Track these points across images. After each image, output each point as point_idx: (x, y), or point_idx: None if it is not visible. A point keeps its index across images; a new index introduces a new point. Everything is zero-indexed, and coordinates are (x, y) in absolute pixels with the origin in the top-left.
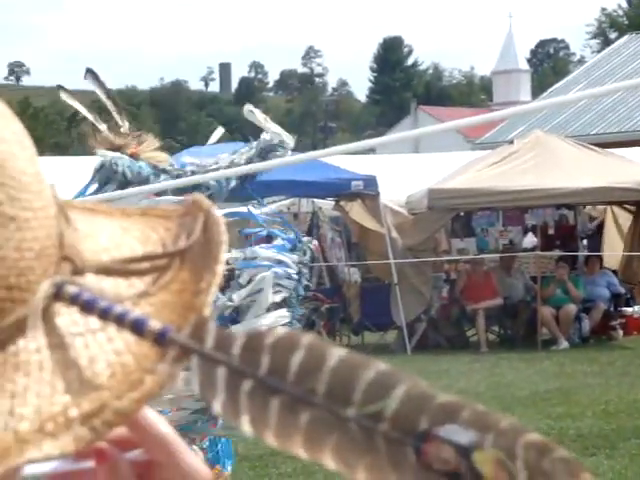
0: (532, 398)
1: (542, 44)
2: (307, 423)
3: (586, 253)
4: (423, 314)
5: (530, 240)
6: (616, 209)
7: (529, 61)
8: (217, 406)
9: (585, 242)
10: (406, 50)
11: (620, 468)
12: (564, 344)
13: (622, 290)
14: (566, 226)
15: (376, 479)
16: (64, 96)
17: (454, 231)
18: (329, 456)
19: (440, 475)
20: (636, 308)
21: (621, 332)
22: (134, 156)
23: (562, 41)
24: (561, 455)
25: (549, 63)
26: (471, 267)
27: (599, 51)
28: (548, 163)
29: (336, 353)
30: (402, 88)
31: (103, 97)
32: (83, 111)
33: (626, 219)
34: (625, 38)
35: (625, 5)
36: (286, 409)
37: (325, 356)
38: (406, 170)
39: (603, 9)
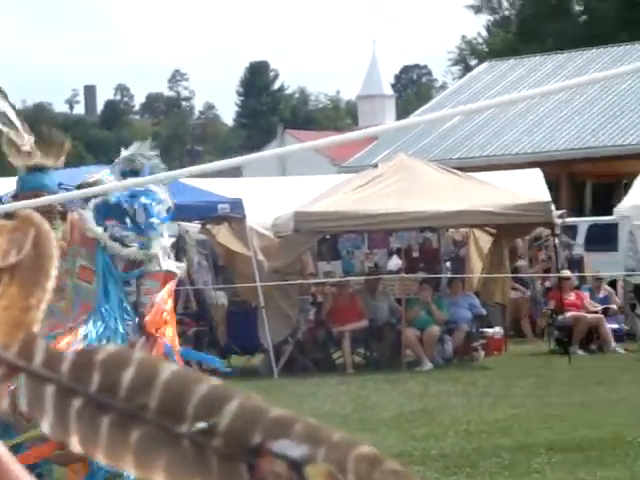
0: (397, 419)
1: (406, 70)
2: (138, 440)
3: (449, 275)
4: (290, 337)
5: (395, 262)
6: (477, 232)
7: (393, 86)
8: (45, 426)
9: (448, 264)
10: (272, 74)
11: None
12: (428, 365)
13: (483, 311)
14: (430, 249)
15: None
16: None
17: (320, 254)
18: (160, 476)
19: None
20: (497, 329)
21: (482, 353)
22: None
23: (425, 67)
24: (391, 467)
25: (412, 89)
26: (337, 290)
27: (460, 77)
28: (412, 186)
29: (168, 368)
30: (269, 112)
31: (12, 115)
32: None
33: (487, 242)
34: (485, 65)
35: (484, 33)
36: (117, 427)
37: (157, 371)
38: (273, 193)
39: (463, 37)
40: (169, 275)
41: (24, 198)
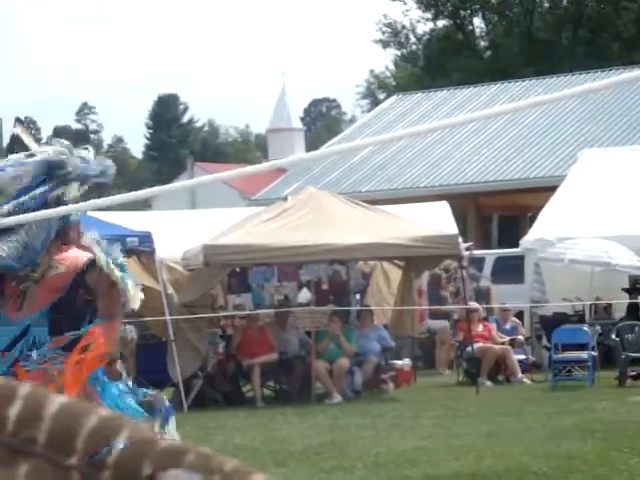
0: (306, 452)
1: (315, 103)
2: (27, 474)
3: (358, 307)
4: (199, 370)
5: (305, 295)
6: (386, 264)
7: (302, 120)
8: None
9: (358, 297)
10: (182, 107)
11: None
12: (337, 398)
13: (392, 343)
14: (339, 281)
15: None
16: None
17: (230, 287)
18: None
19: None
20: (406, 361)
21: (392, 385)
22: None
23: (334, 100)
24: None
25: (322, 122)
26: (247, 322)
27: (369, 110)
28: (321, 219)
29: (57, 400)
30: (178, 145)
31: (34, 146)
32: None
33: (396, 274)
34: (393, 98)
35: (392, 67)
36: (4, 461)
37: (45, 404)
38: (182, 226)
39: (372, 71)
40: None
41: None
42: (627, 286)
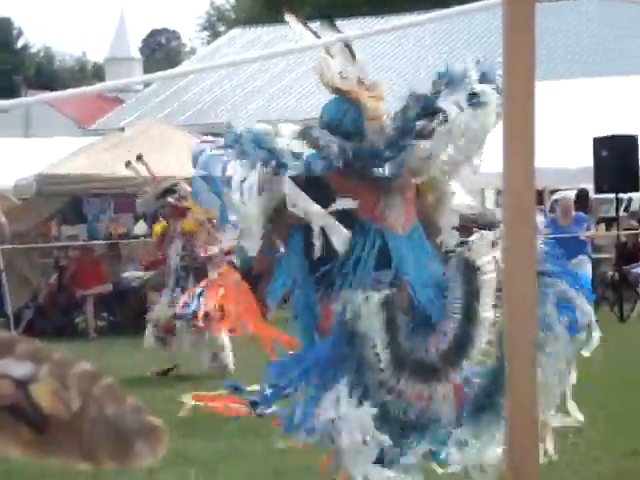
0: (140, 382)
1: (154, 34)
2: None
3: None
4: (30, 301)
5: (141, 227)
6: None
7: (141, 50)
8: None
9: None
10: (16, 32)
11: (222, 448)
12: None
13: None
14: None
15: None
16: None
17: (64, 217)
18: None
19: (1, 410)
20: None
21: None
22: (354, 101)
23: (174, 31)
24: (107, 382)
25: (161, 53)
26: (81, 254)
27: (209, 43)
28: (159, 151)
29: None
30: (12, 71)
31: None
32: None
33: None
34: (233, 31)
35: (232, 0)
36: None
37: None
38: (15, 154)
39: (212, 2)
40: None
41: None
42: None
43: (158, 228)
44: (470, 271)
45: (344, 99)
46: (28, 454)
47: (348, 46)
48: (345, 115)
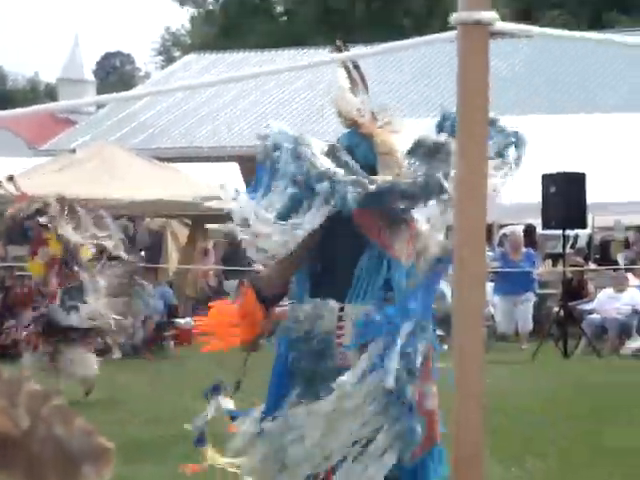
0: (83, 406)
1: (108, 56)
2: None
3: (143, 264)
4: None
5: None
6: (174, 222)
7: (95, 72)
8: None
9: (143, 253)
10: None
11: (169, 473)
12: (117, 353)
13: (175, 302)
14: (125, 237)
15: None
16: None
17: (9, 237)
18: None
19: None
20: (188, 319)
21: (172, 343)
22: (367, 135)
23: (128, 55)
24: (57, 403)
25: (115, 76)
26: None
27: (163, 67)
28: (109, 173)
29: None
30: None
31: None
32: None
33: (184, 233)
34: (188, 57)
35: (188, 26)
36: None
37: None
38: None
39: (167, 27)
40: None
41: None
42: None
43: (36, 267)
44: None
45: (357, 133)
46: None
47: (363, 79)
48: (357, 148)
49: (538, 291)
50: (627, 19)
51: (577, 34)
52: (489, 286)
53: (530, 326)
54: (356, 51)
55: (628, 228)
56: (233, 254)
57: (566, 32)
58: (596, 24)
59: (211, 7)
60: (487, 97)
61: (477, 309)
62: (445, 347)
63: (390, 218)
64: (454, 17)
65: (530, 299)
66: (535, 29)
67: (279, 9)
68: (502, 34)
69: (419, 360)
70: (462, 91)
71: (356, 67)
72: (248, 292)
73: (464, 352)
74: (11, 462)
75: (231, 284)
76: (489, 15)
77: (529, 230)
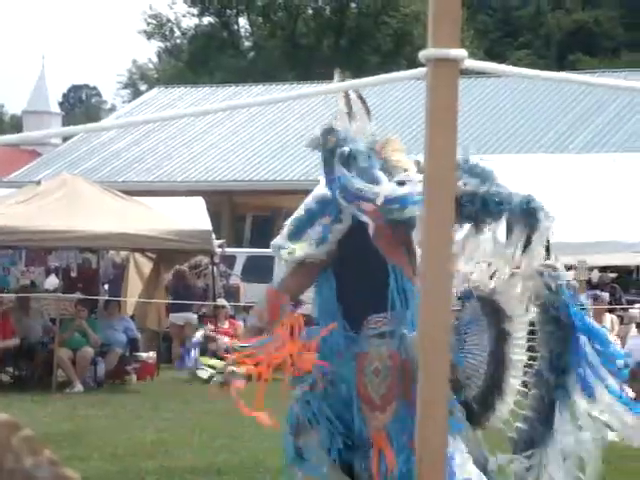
0: (42, 440)
1: (74, 89)
2: None
3: (106, 297)
4: None
5: (52, 281)
6: (138, 256)
7: (61, 105)
8: None
9: (106, 287)
10: None
11: None
12: (79, 387)
13: (138, 335)
14: (89, 269)
15: None
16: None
17: None
18: None
19: None
20: (150, 354)
21: (135, 376)
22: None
23: (94, 88)
24: (26, 434)
25: (81, 108)
26: None
27: (129, 101)
28: (74, 205)
29: None
30: None
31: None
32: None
33: (148, 267)
34: (155, 91)
35: (155, 60)
36: None
37: None
38: None
39: (134, 61)
40: None
41: None
42: None
43: None
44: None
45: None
46: None
47: (365, 103)
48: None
49: None
50: (591, 59)
51: (547, 73)
52: None
53: None
54: (325, 86)
55: (591, 268)
56: (179, 288)
57: (536, 71)
58: (562, 65)
59: (178, 41)
60: (455, 132)
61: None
62: None
63: (405, 232)
64: (423, 53)
65: None
66: (503, 67)
67: (247, 44)
68: (471, 72)
69: None
70: (431, 127)
71: (360, 97)
72: (270, 292)
73: (429, 338)
74: None
75: (177, 317)
76: (458, 52)
77: None
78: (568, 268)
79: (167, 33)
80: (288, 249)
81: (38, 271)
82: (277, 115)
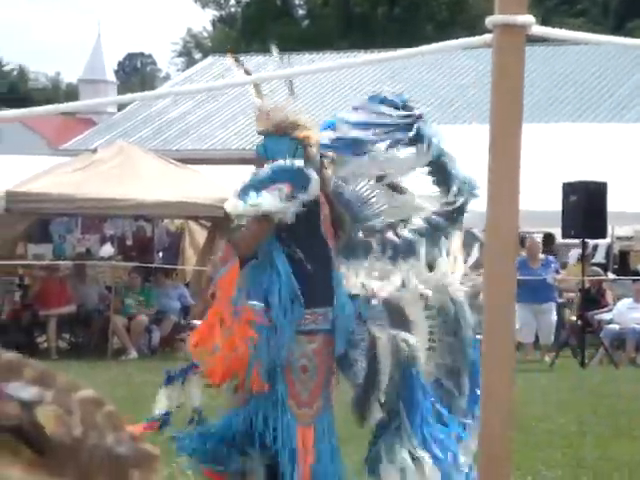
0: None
1: (130, 57)
2: None
3: (160, 265)
4: None
5: (107, 249)
6: (192, 224)
7: (116, 73)
8: None
9: (161, 255)
10: None
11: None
12: (133, 354)
13: (192, 302)
14: (143, 238)
15: None
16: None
17: (31, 236)
18: None
19: (4, 430)
20: None
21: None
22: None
23: (149, 56)
24: (109, 409)
25: (136, 77)
26: (46, 273)
27: (184, 69)
28: (129, 174)
29: None
30: None
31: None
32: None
33: (202, 235)
34: (209, 59)
35: (210, 28)
36: None
37: None
38: None
39: (189, 29)
40: None
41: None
42: None
43: None
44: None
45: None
46: (26, 475)
47: (290, 82)
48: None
49: (558, 300)
50: None
51: (613, 38)
52: None
53: (552, 338)
54: (387, 54)
55: None
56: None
57: (602, 37)
58: (619, 34)
59: (232, 10)
60: (521, 100)
61: (507, 315)
62: None
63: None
64: (490, 19)
65: (552, 309)
66: (570, 33)
67: (301, 12)
68: (536, 39)
69: None
70: (497, 94)
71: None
72: (227, 248)
73: (493, 359)
74: (63, 468)
75: None
76: (526, 18)
77: (548, 238)
78: (625, 239)
79: (222, 1)
80: (251, 201)
81: (94, 239)
82: (331, 83)
